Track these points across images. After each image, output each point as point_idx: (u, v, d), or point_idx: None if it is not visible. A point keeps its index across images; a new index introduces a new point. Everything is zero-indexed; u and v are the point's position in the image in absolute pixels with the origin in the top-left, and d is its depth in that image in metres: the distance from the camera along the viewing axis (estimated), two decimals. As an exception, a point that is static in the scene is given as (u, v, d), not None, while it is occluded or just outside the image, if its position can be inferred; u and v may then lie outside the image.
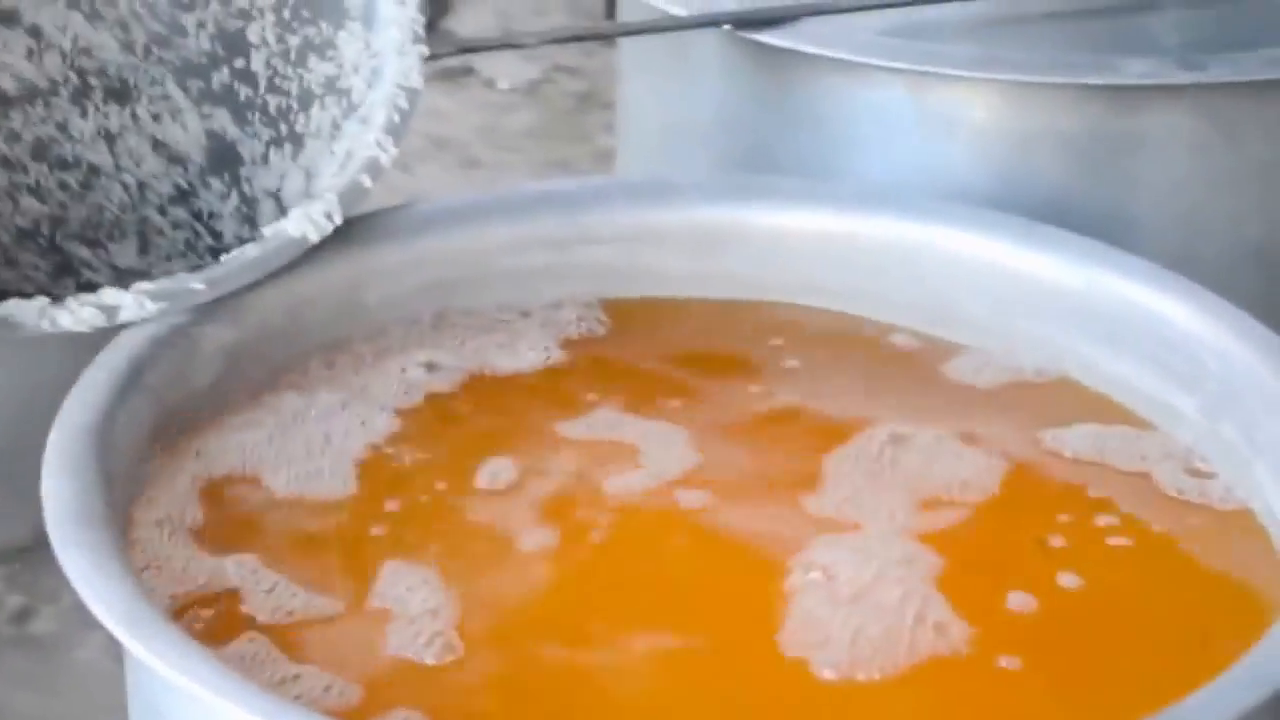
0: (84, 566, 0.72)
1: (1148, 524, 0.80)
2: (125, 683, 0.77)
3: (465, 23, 1.85)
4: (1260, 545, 0.79)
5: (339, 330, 0.88)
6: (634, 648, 0.74)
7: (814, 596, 0.74)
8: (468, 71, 1.82)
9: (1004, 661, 0.73)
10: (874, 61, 1.00)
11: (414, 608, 0.74)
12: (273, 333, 0.86)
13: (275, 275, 0.85)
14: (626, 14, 1.11)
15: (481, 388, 0.87)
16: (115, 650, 0.75)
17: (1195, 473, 0.82)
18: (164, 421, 0.82)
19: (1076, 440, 0.84)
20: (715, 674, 0.73)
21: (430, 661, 0.73)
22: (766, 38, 1.00)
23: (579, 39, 1.56)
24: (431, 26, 0.94)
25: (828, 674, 0.72)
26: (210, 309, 0.84)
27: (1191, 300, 0.86)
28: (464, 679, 0.72)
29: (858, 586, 0.75)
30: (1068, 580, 0.77)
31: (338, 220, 0.86)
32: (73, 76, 0.92)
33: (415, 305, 0.90)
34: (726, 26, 1.01)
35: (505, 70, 1.82)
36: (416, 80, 0.90)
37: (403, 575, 0.76)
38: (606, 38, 1.38)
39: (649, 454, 0.83)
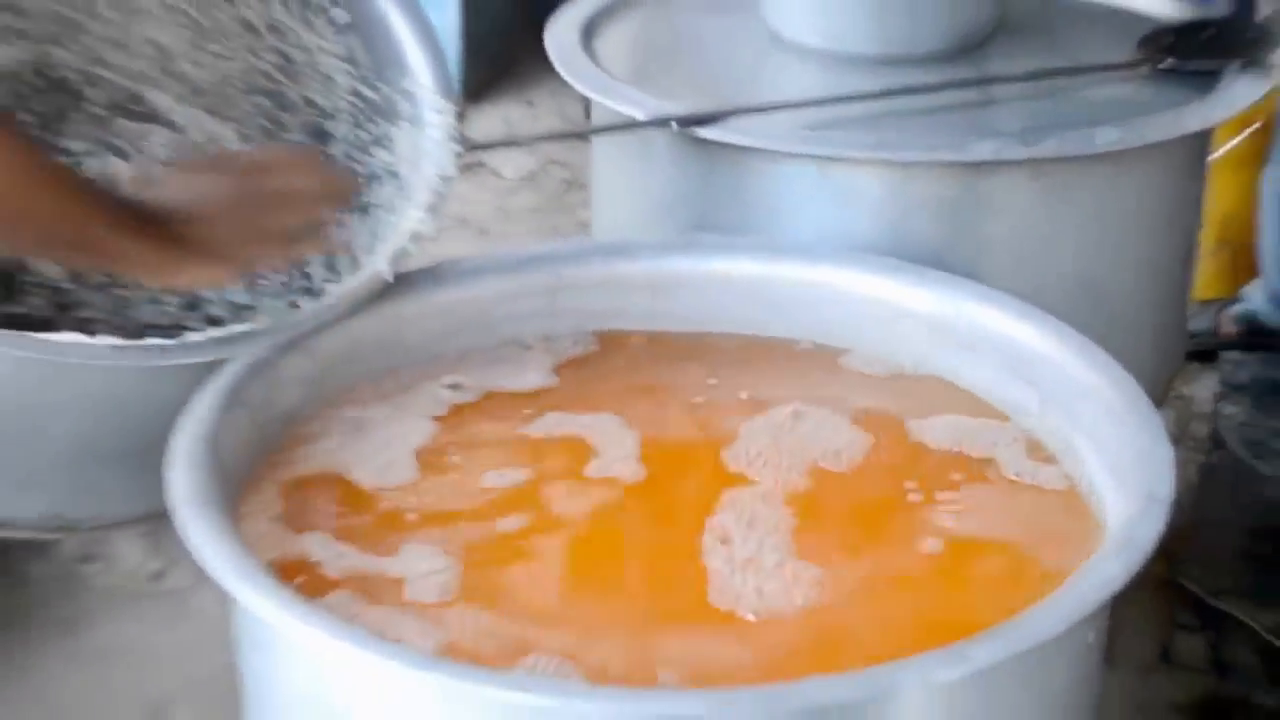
0: (197, 538, 0.87)
1: (990, 493, 0.96)
2: (232, 623, 0.91)
3: (478, 129, 2.00)
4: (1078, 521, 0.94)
5: (387, 361, 1.04)
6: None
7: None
8: (481, 165, 1.98)
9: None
10: (790, 149, 1.15)
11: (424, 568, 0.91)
12: (337, 363, 1.02)
13: (339, 320, 1.01)
14: (598, 118, 1.27)
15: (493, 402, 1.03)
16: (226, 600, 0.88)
17: (1034, 455, 0.98)
18: (258, 431, 0.97)
19: (937, 426, 1.00)
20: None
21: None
22: (706, 133, 1.15)
23: (563, 137, 1.74)
24: (454, 132, 1.08)
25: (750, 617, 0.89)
26: (289, 346, 0.99)
27: (1029, 318, 1.03)
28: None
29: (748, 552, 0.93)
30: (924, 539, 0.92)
31: (389, 278, 1.03)
32: None
33: (442, 341, 1.05)
34: (674, 125, 1.16)
35: (510, 164, 1.97)
36: (451, 170, 1.05)
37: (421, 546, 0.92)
38: (583, 136, 1.52)
39: (603, 451, 0.99)
